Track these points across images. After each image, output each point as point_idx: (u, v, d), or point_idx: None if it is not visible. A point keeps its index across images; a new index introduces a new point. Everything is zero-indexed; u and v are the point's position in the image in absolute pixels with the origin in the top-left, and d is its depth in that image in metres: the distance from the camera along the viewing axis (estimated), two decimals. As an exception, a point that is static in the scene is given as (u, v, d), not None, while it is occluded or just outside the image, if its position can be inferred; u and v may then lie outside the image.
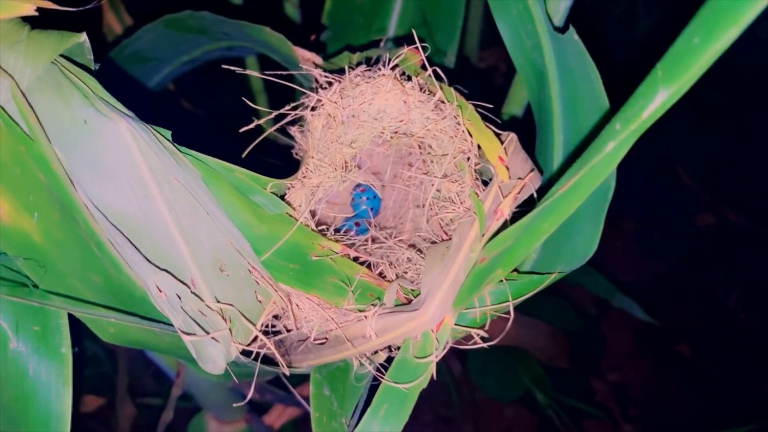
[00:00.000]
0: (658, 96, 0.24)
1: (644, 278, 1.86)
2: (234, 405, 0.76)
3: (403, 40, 0.64)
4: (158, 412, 1.40)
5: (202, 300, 0.34)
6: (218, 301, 0.35)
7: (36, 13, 0.32)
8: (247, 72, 0.42)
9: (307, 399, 0.41)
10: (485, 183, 0.42)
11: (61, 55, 0.34)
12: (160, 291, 0.33)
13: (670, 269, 1.85)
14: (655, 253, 1.89)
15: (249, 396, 0.43)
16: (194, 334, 0.33)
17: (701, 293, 1.81)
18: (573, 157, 0.43)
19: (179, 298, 0.33)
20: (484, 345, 0.40)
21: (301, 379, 0.57)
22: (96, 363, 1.47)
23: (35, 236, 0.34)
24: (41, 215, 0.33)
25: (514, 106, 0.65)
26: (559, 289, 1.75)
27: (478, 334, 0.40)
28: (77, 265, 0.35)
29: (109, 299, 0.36)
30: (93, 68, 0.36)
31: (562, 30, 0.46)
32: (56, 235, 0.34)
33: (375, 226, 0.46)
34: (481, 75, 1.48)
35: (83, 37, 0.33)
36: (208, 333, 0.33)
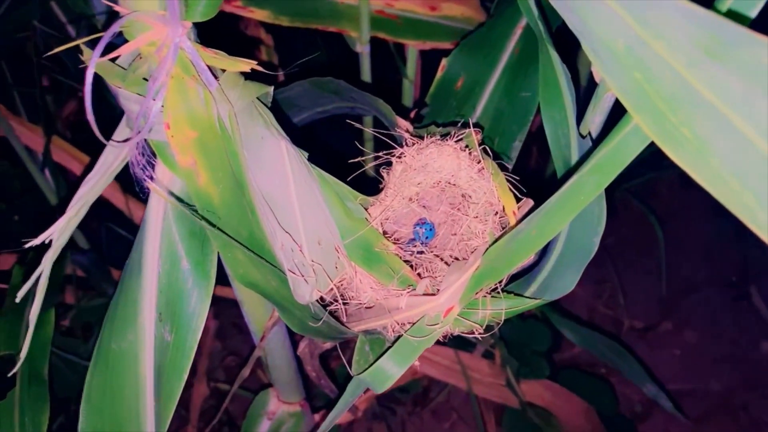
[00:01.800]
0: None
1: (697, 391, 1.86)
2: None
3: (474, 123, 0.85)
4: (224, 396, 1.60)
5: (304, 257, 0.55)
6: (312, 261, 0.56)
7: (249, 71, 0.55)
8: (362, 127, 0.64)
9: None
10: (504, 228, 0.61)
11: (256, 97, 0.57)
12: (282, 245, 0.54)
13: (726, 386, 1.84)
14: (713, 368, 1.88)
15: (311, 368, 0.63)
16: (295, 275, 0.54)
17: (753, 419, 1.79)
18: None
19: (292, 251, 0.54)
20: (478, 336, 0.58)
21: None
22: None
23: (216, 199, 0.55)
24: (223, 187, 0.55)
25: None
26: (607, 377, 1.80)
27: (477, 329, 0.59)
28: (236, 221, 0.56)
29: (250, 246, 0.57)
30: (269, 105, 0.59)
31: (583, 137, 0.65)
32: (228, 200, 0.56)
33: (424, 245, 0.66)
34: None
35: (270, 89, 0.56)
36: (303, 277, 0.54)
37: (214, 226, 0.53)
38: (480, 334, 0.58)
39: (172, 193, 0.56)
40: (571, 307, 1.92)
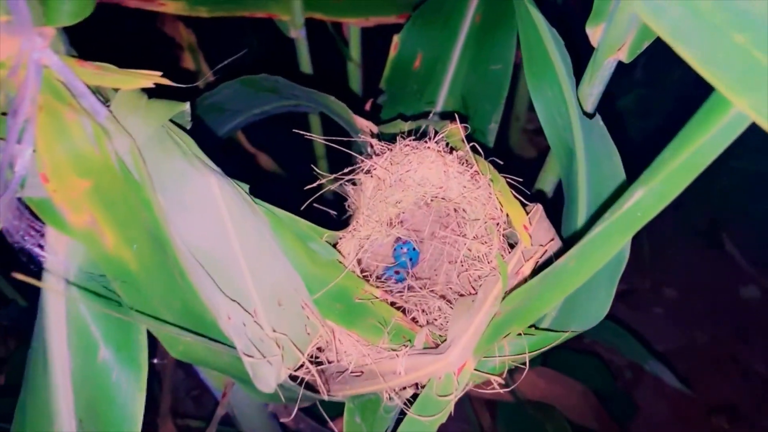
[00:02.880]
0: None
1: (683, 347, 1.84)
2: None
3: (450, 111, 0.71)
4: (196, 434, 1.46)
5: (261, 328, 0.41)
6: (274, 331, 0.42)
7: (153, 86, 0.40)
8: (313, 137, 0.49)
9: (340, 432, 0.47)
10: (511, 246, 0.48)
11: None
12: (230, 318, 0.40)
13: (711, 340, 1.83)
14: (696, 322, 1.87)
15: (287, 419, 0.49)
16: (252, 357, 0.39)
17: (741, 366, 1.78)
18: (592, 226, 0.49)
19: (244, 325, 0.40)
20: (502, 391, 0.45)
21: (337, 414, 0.63)
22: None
23: (132, 264, 0.41)
24: (139, 247, 0.41)
25: (550, 174, 0.71)
26: (595, 350, 1.75)
27: (496, 381, 0.46)
28: (162, 290, 0.42)
29: (185, 322, 0.43)
30: (188, 128, 0.44)
31: (590, 116, 0.52)
32: (148, 265, 0.41)
33: (412, 276, 0.52)
34: (527, 134, 1.55)
35: (186, 106, 0.41)
36: (264, 356, 0.40)
37: (133, 296, 0.39)
38: (500, 386, 0.45)
39: (68, 271, 0.40)
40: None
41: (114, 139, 0.38)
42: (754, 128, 0.27)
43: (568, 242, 0.53)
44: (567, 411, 1.39)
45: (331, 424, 0.58)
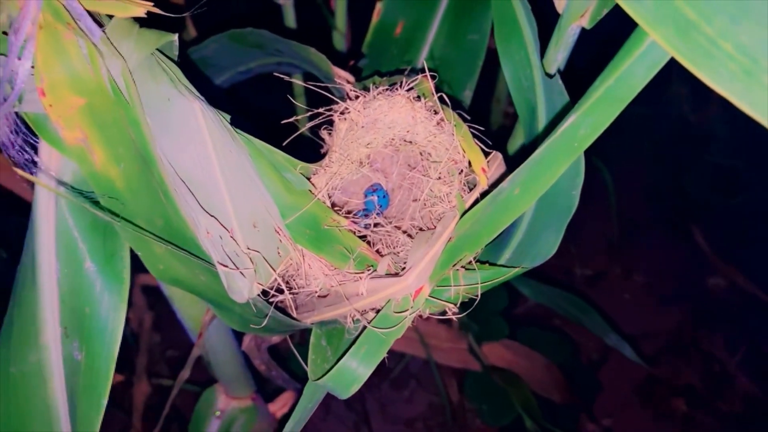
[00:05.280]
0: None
1: (649, 331, 1.88)
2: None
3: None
4: (169, 393, 1.49)
5: (237, 245, 0.44)
6: (248, 249, 0.45)
7: (145, 16, 0.43)
8: (293, 81, 0.53)
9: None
10: (471, 188, 0.52)
11: (157, 48, 0.45)
12: (208, 233, 0.43)
13: (675, 325, 1.87)
14: (662, 308, 1.91)
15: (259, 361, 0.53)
16: (228, 267, 0.43)
17: (703, 352, 1.83)
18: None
19: (221, 239, 0.44)
20: (454, 317, 0.49)
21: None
22: (121, 343, 1.57)
23: (118, 182, 0.44)
24: (126, 165, 0.44)
25: (518, 139, 0.75)
26: (564, 330, 1.80)
27: (450, 309, 0.50)
28: (146, 208, 0.45)
29: (166, 238, 0.46)
30: (176, 61, 0.48)
31: (551, 76, 0.57)
32: (134, 183, 0.44)
33: (379, 215, 0.56)
34: (509, 117, 1.58)
35: (174, 37, 0.45)
36: (238, 269, 0.44)
37: (118, 216, 0.42)
38: (455, 314, 0.49)
39: (61, 181, 0.44)
40: (522, 260, 1.88)
41: (107, 60, 0.41)
42: (729, 125, 0.31)
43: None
44: (531, 383, 1.44)
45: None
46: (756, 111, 0.24)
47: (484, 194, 0.50)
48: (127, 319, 1.54)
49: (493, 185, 0.52)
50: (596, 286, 1.98)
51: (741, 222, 1.91)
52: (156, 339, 1.78)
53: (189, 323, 0.77)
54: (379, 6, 0.82)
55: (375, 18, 0.82)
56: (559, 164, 0.37)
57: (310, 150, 0.54)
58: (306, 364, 0.52)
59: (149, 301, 1.67)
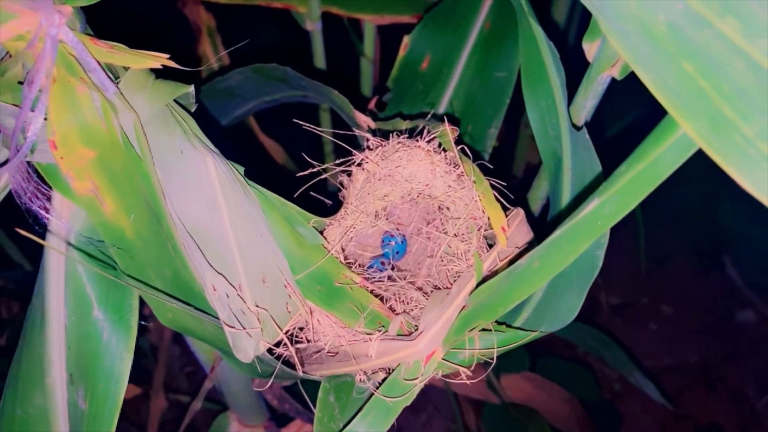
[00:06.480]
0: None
1: (675, 364, 1.84)
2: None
3: (447, 113, 0.73)
4: (186, 408, 1.49)
5: (244, 302, 0.43)
6: (256, 306, 0.44)
7: (160, 67, 0.43)
8: (318, 130, 0.52)
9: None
10: (490, 246, 0.50)
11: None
12: (215, 289, 0.42)
13: (703, 359, 1.83)
14: (690, 340, 1.87)
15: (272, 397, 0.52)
16: (233, 327, 0.42)
17: (731, 388, 1.78)
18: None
19: (228, 297, 0.43)
20: (467, 381, 0.47)
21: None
22: (140, 355, 1.57)
23: (128, 232, 0.44)
24: (136, 217, 0.43)
25: (544, 180, 0.73)
26: (587, 361, 1.76)
27: (464, 372, 0.48)
28: (155, 259, 0.44)
29: (174, 290, 0.45)
30: (192, 110, 0.47)
31: (578, 128, 0.55)
32: (143, 234, 0.44)
33: (394, 268, 0.55)
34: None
35: (191, 88, 0.44)
36: (244, 328, 0.42)
37: (129, 260, 0.42)
38: (470, 379, 0.47)
39: (69, 242, 0.43)
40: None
41: (120, 114, 0.40)
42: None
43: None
44: (551, 416, 1.41)
45: (313, 408, 0.60)
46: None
47: (501, 253, 0.48)
48: (147, 331, 1.54)
49: (514, 241, 0.50)
50: (622, 315, 1.94)
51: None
52: (176, 351, 1.78)
53: (202, 356, 0.76)
54: (406, 40, 0.81)
55: (402, 52, 0.81)
56: (582, 243, 0.35)
57: (334, 196, 0.53)
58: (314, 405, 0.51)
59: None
